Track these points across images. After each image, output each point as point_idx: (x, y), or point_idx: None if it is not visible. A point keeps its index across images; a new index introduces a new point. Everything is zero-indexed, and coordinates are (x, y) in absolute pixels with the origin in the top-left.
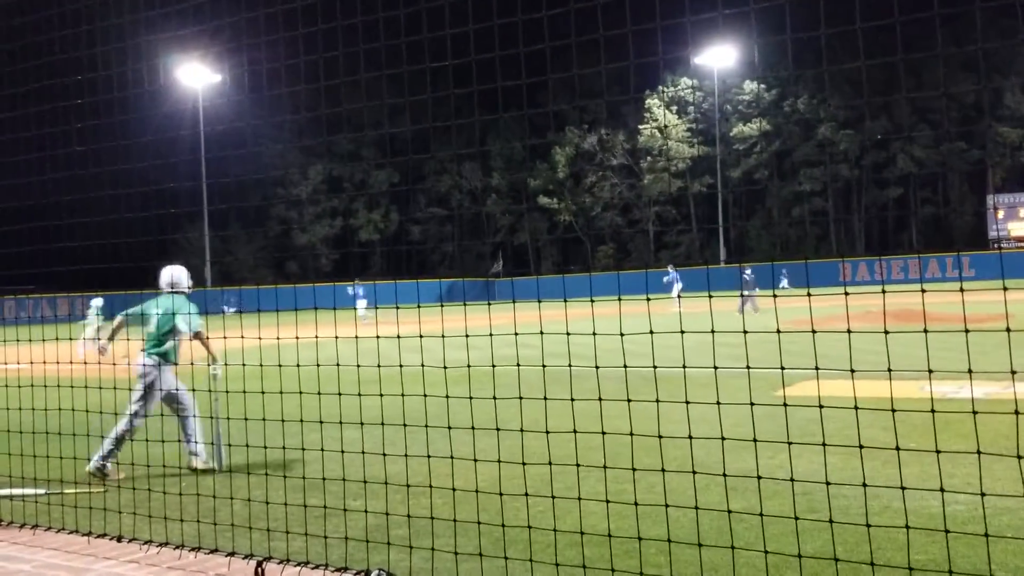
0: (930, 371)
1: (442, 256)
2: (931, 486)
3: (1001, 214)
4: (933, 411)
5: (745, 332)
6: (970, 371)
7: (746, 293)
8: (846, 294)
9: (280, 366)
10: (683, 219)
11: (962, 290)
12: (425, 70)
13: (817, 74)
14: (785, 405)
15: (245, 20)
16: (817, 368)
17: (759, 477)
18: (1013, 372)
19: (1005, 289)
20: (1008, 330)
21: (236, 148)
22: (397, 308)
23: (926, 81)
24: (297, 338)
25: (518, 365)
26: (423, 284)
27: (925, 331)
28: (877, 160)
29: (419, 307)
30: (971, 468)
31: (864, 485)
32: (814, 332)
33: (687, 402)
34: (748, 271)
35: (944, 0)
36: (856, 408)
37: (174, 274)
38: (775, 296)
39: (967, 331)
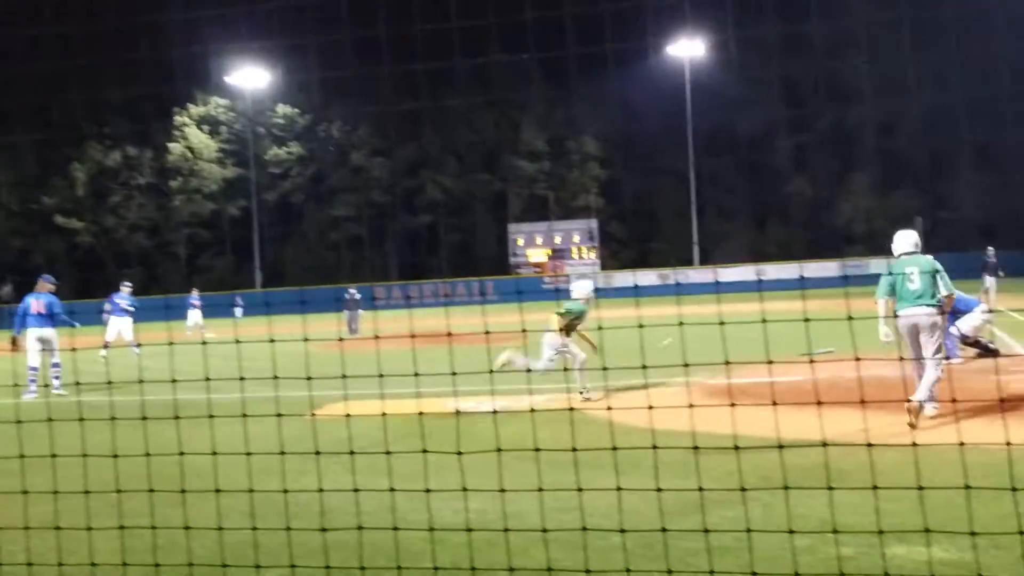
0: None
1: None
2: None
3: (521, 241)
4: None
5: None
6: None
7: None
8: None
9: None
10: (217, 243)
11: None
12: None
13: (348, 105)
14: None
15: None
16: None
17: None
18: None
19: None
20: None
21: None
22: None
23: (452, 117)
24: None
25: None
26: None
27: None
28: (409, 187)
29: None
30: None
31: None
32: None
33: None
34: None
35: (466, 50)
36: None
37: (914, 236)
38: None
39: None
